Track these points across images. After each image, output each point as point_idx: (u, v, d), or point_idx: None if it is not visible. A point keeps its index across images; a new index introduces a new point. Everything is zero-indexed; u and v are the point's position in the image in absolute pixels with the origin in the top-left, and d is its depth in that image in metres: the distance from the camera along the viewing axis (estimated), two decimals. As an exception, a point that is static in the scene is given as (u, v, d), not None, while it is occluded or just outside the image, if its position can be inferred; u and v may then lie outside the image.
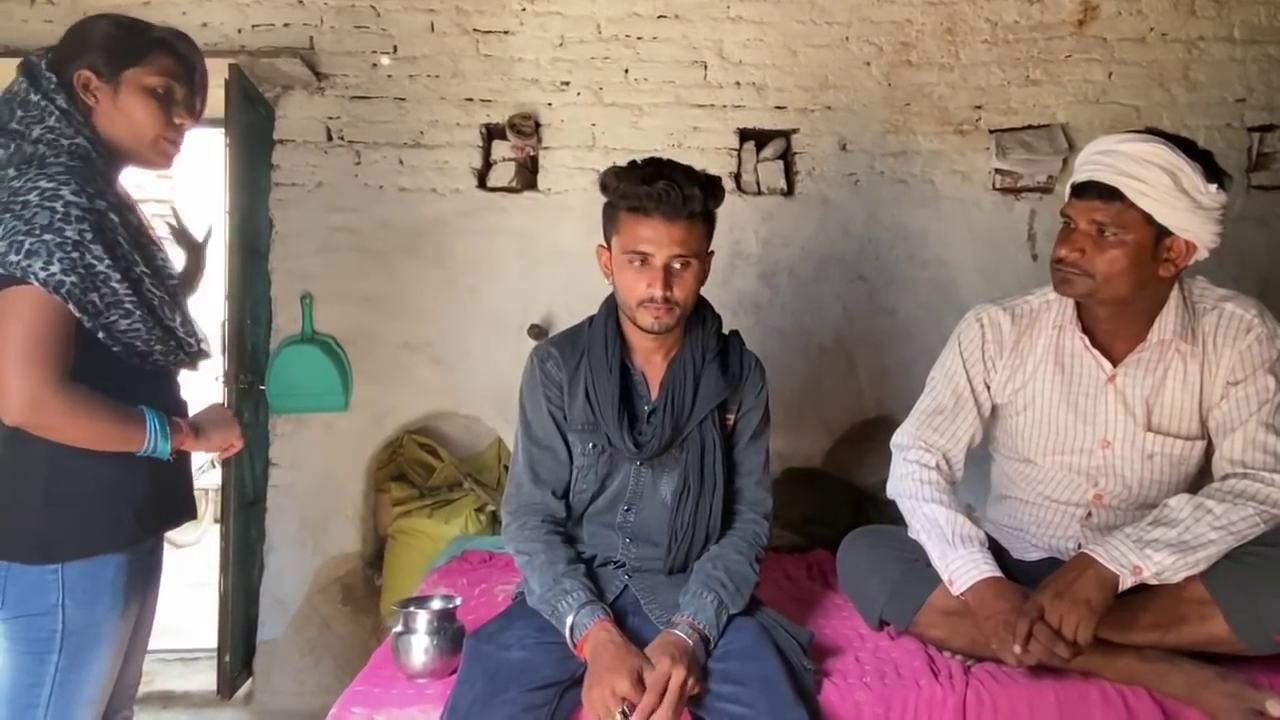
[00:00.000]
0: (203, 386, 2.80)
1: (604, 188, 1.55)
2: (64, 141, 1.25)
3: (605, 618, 1.41)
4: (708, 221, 1.55)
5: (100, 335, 1.24)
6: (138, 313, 1.26)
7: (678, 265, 1.50)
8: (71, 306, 1.18)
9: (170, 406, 1.37)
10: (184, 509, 1.45)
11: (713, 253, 1.58)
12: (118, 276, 1.22)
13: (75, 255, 1.17)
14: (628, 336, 1.62)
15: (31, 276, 1.15)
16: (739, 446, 1.65)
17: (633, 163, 1.54)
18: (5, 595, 1.24)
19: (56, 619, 1.24)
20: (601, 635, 1.38)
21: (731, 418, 1.64)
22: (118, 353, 1.27)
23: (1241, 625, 1.41)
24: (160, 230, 1.45)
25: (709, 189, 1.52)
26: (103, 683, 1.30)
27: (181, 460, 1.39)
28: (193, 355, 1.39)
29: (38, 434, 1.20)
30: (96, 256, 1.20)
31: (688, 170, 1.52)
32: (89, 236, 1.19)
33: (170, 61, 1.33)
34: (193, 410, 1.44)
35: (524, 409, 1.64)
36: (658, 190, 1.46)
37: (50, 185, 1.18)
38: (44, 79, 1.27)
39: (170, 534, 1.51)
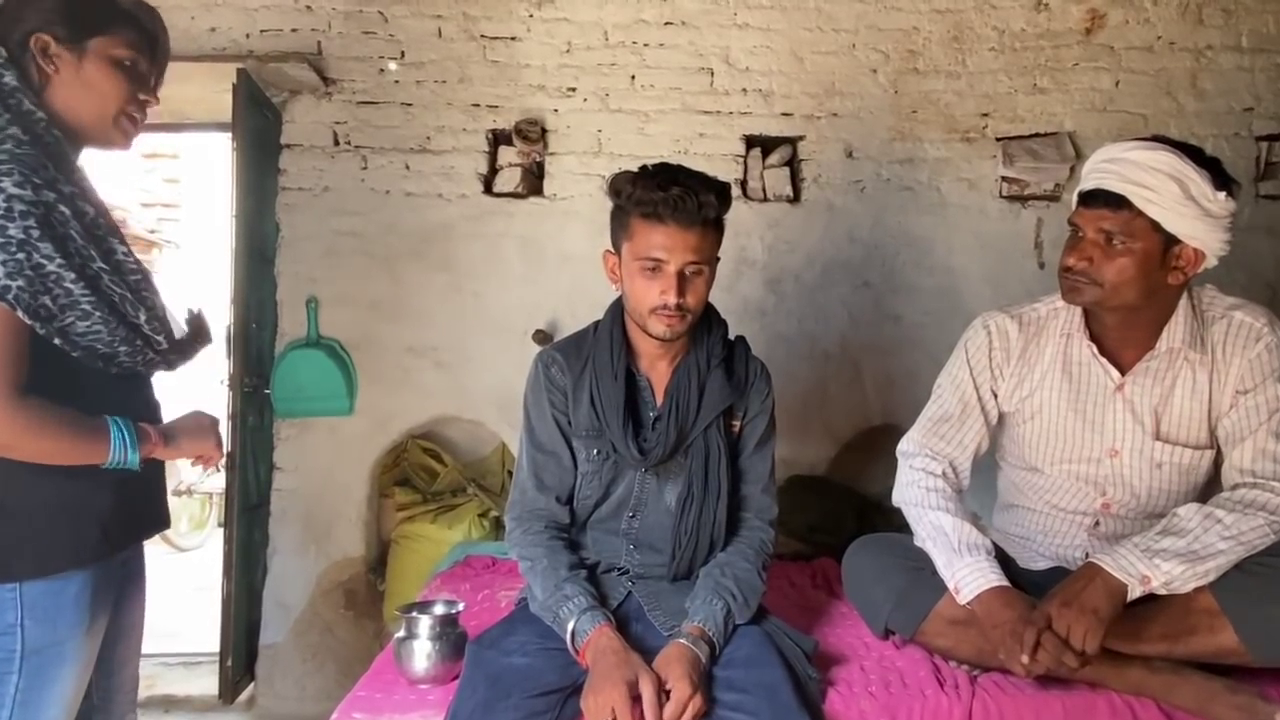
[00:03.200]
0: (206, 390, 2.83)
1: (615, 193, 1.53)
2: (7, 122, 1.13)
3: (606, 623, 1.40)
4: (719, 228, 1.54)
5: (57, 341, 1.13)
6: (97, 313, 1.15)
7: (691, 272, 1.49)
8: (20, 313, 1.07)
9: (142, 413, 1.27)
10: (154, 520, 1.37)
11: (718, 259, 1.58)
12: (72, 276, 1.11)
13: (21, 256, 1.07)
14: (633, 342, 1.62)
15: None
16: (744, 453, 1.65)
17: (644, 168, 1.53)
18: None
19: (15, 639, 1.16)
20: (602, 641, 1.37)
21: (737, 424, 1.64)
22: (79, 358, 1.17)
23: (1251, 637, 1.40)
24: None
25: (723, 195, 1.51)
26: (67, 702, 1.23)
27: (151, 469, 1.30)
28: (164, 354, 1.27)
29: None
30: (46, 255, 1.09)
31: (701, 176, 1.51)
32: (35, 234, 1.08)
33: (135, 34, 1.23)
34: (174, 415, 1.35)
35: (528, 414, 1.64)
36: (673, 196, 1.44)
37: None
38: None
39: (173, 537, 1.48)
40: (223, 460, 1.42)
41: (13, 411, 1.09)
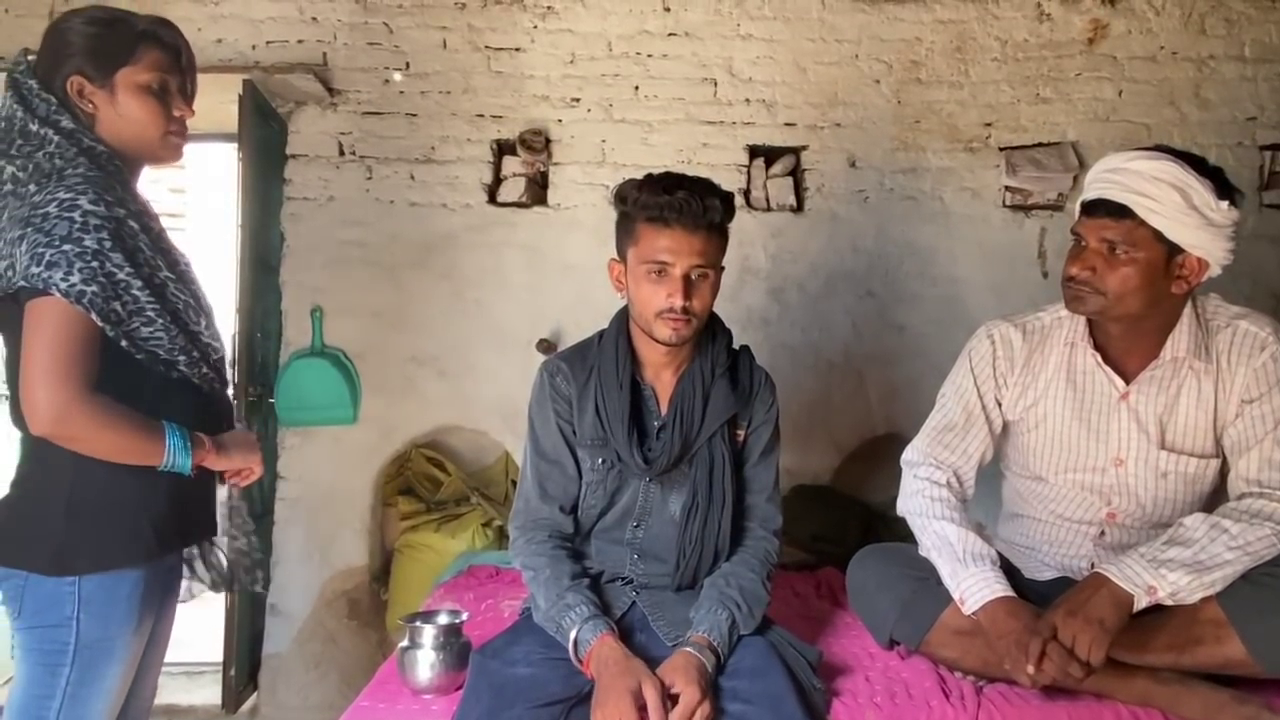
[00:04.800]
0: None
1: (620, 199, 1.55)
2: (76, 154, 1.24)
3: (608, 632, 1.40)
4: (723, 235, 1.55)
5: (124, 343, 1.23)
6: (159, 320, 1.25)
7: (696, 276, 1.50)
8: (94, 316, 1.18)
9: (200, 419, 1.36)
10: (205, 525, 1.45)
11: (723, 268, 1.58)
12: (139, 283, 1.22)
13: (95, 265, 1.17)
14: (638, 351, 1.62)
15: (53, 288, 1.15)
16: (749, 463, 1.65)
17: (649, 175, 1.55)
18: (22, 605, 1.24)
19: (70, 632, 1.23)
20: (604, 651, 1.37)
21: (741, 433, 1.64)
22: (142, 360, 1.27)
23: (1258, 647, 1.39)
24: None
25: (726, 200, 1.53)
26: (113, 698, 1.29)
27: (204, 476, 1.38)
28: (217, 366, 1.38)
29: (62, 445, 1.20)
30: (116, 264, 1.20)
31: (705, 182, 1.53)
32: (108, 245, 1.19)
33: (159, 54, 1.31)
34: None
35: (533, 424, 1.64)
36: (678, 200, 1.46)
37: (68, 196, 1.18)
38: (39, 101, 1.25)
39: None
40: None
41: (90, 406, 1.18)
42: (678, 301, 1.48)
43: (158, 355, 1.28)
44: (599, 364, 1.60)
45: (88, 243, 1.17)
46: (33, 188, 1.21)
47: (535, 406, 1.64)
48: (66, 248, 1.16)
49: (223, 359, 1.40)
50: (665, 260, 1.48)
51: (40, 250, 1.15)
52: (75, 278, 1.16)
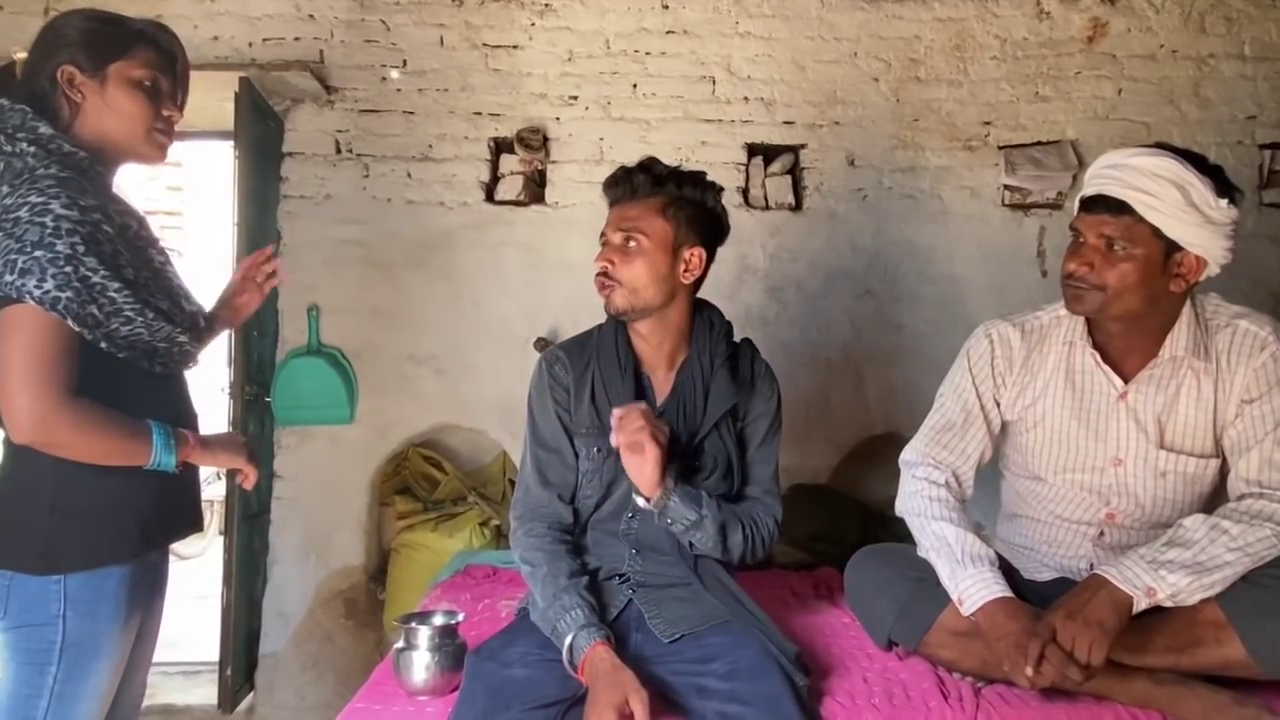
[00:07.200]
0: (208, 397, 2.82)
1: None
2: (52, 154, 1.22)
3: (601, 641, 1.39)
4: (680, 209, 1.56)
5: (104, 344, 1.23)
6: (139, 319, 1.24)
7: (620, 239, 1.55)
8: (70, 321, 1.17)
9: (180, 415, 1.37)
10: (189, 521, 1.45)
11: (701, 252, 1.57)
12: (116, 285, 1.21)
13: (69, 270, 1.15)
14: (635, 345, 1.62)
15: (27, 295, 1.14)
16: (749, 451, 1.65)
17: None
18: (8, 605, 1.23)
19: (57, 630, 1.23)
20: (595, 661, 1.36)
21: (741, 424, 1.64)
22: (125, 359, 1.27)
23: (1258, 649, 1.38)
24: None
25: (669, 176, 1.57)
26: (101, 696, 1.29)
27: (189, 472, 1.38)
28: (194, 321, 1.37)
29: (46, 451, 1.20)
30: (91, 269, 1.18)
31: (654, 161, 1.59)
32: (81, 250, 1.17)
33: (153, 54, 1.32)
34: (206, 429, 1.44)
35: (532, 413, 1.65)
36: (614, 177, 1.59)
37: (40, 200, 1.16)
38: (12, 114, 1.23)
39: (174, 546, 1.52)
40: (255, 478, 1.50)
41: (66, 411, 1.18)
42: (600, 262, 1.55)
43: (138, 349, 1.27)
44: (598, 352, 1.61)
45: (60, 248, 1.15)
46: (5, 189, 1.20)
47: (534, 395, 1.65)
48: (39, 254, 1.14)
49: (200, 319, 1.39)
50: (604, 233, 1.58)
51: (12, 257, 1.14)
52: (49, 284, 1.14)
